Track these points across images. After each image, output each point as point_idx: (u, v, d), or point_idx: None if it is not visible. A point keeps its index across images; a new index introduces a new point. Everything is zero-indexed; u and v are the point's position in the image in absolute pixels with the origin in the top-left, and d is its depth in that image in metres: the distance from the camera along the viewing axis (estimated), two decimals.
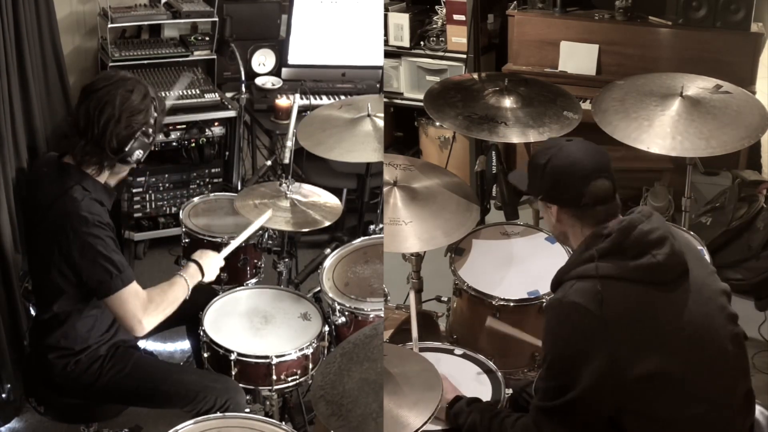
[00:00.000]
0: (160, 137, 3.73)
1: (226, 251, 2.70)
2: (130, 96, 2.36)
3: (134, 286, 2.35)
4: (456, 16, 4.47)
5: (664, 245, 1.85)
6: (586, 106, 3.65)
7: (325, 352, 2.67)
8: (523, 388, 2.33)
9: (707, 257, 2.62)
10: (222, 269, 3.00)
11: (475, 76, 3.34)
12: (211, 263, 2.61)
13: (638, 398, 1.80)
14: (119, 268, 2.31)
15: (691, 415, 1.83)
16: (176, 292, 2.46)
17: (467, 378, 2.36)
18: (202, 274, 2.56)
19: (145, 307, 2.35)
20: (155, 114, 2.41)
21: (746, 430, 1.95)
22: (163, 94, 3.70)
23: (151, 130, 2.40)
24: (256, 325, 2.70)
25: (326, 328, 2.68)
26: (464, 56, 4.46)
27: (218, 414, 2.24)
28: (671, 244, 1.86)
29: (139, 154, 2.41)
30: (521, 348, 2.71)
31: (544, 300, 2.65)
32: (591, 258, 1.87)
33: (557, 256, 2.84)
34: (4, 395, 2.91)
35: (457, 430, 2.12)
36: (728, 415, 1.89)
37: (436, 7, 4.68)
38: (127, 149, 2.37)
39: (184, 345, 3.33)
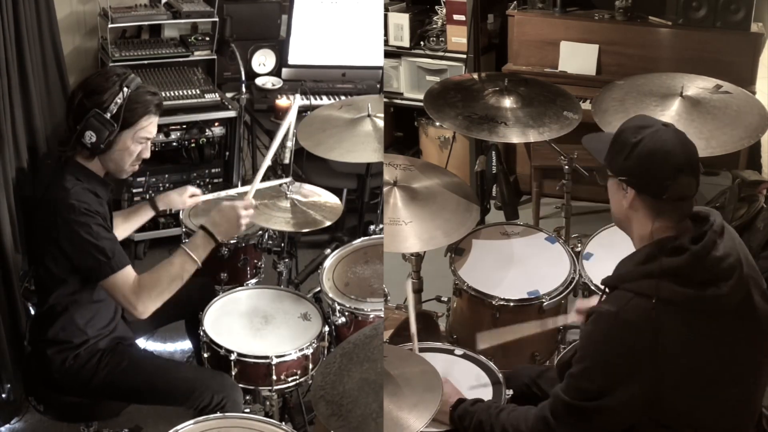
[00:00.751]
0: (160, 137, 3.73)
1: (250, 192, 2.58)
2: (93, 76, 2.39)
3: (126, 273, 2.34)
4: (456, 16, 4.47)
5: (733, 277, 1.76)
6: (586, 106, 3.65)
7: (325, 352, 2.67)
8: (534, 380, 2.31)
9: None
10: (222, 269, 3.02)
11: (475, 76, 3.34)
12: (222, 218, 2.46)
13: (671, 415, 1.79)
14: (107, 255, 2.30)
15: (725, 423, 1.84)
16: (173, 270, 2.39)
17: (467, 378, 2.36)
18: (214, 239, 2.44)
19: (136, 293, 2.33)
20: (119, 101, 2.35)
21: None
22: (162, 95, 3.71)
23: (109, 115, 2.35)
24: (256, 326, 2.70)
25: (326, 329, 2.68)
26: (464, 56, 4.46)
27: (218, 414, 2.24)
28: (739, 274, 1.77)
29: (90, 136, 2.34)
30: (521, 348, 2.71)
31: (543, 300, 2.65)
32: (651, 273, 1.77)
33: (557, 256, 2.85)
34: (4, 395, 2.91)
35: None
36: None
37: (436, 7, 4.68)
38: (79, 128, 2.34)
39: (184, 345, 3.33)
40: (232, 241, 3.03)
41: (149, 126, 2.45)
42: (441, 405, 1.98)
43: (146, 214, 2.86)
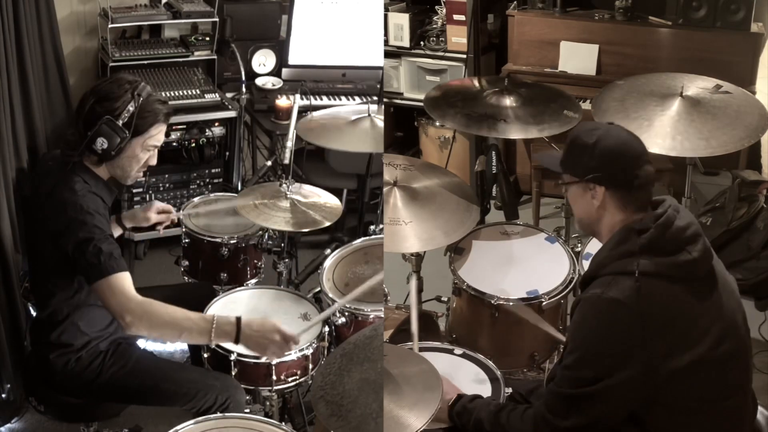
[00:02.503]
0: None
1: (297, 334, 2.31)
2: (104, 83, 2.38)
3: (121, 278, 2.24)
4: (456, 16, 4.47)
5: (698, 242, 1.86)
6: (586, 106, 3.65)
7: (325, 352, 2.67)
8: (525, 396, 2.32)
9: None
10: (222, 269, 3.03)
11: (476, 81, 3.34)
12: (259, 329, 2.25)
13: (670, 392, 1.81)
14: (100, 259, 2.23)
15: (727, 404, 1.86)
16: (184, 321, 2.24)
17: (467, 378, 2.37)
18: (237, 338, 2.25)
19: (128, 307, 2.20)
20: (131, 109, 2.35)
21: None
22: (162, 95, 3.71)
23: (121, 123, 2.35)
24: None
25: (326, 329, 2.68)
26: (464, 56, 4.47)
27: (218, 414, 2.24)
28: (704, 240, 1.87)
29: (102, 143, 2.34)
30: (521, 348, 2.72)
31: (543, 300, 2.65)
32: (629, 253, 1.84)
33: (557, 256, 2.85)
34: (4, 395, 2.91)
35: (458, 429, 2.11)
36: (751, 405, 1.94)
37: (436, 7, 4.68)
38: (90, 134, 2.34)
39: (184, 345, 3.33)
40: (232, 241, 3.03)
41: (158, 134, 2.47)
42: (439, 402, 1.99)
43: (114, 231, 2.78)
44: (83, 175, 2.39)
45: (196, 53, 4.02)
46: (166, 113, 2.46)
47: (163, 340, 2.29)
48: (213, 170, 4.04)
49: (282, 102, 3.91)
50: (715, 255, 1.95)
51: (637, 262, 1.81)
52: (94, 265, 2.25)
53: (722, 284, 1.91)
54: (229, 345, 2.48)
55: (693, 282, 1.85)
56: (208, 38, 4.04)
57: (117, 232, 2.83)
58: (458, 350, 2.48)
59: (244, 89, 4.00)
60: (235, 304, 2.80)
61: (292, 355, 2.56)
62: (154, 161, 2.51)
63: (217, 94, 3.90)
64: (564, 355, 1.91)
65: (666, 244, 1.84)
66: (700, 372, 1.82)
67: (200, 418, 2.15)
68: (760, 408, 2.08)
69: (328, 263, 2.92)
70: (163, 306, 2.24)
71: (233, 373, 2.55)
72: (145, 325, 2.22)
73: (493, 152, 3.76)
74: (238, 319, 2.25)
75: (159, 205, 2.92)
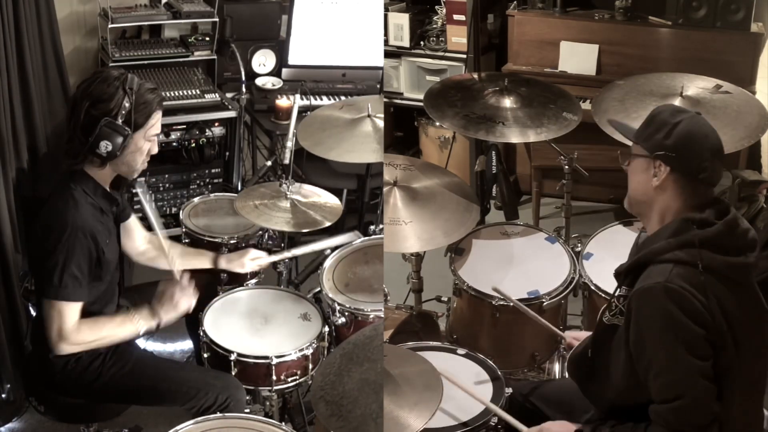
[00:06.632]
0: (161, 137, 3.72)
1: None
2: (93, 84, 2.34)
3: (69, 308, 2.30)
4: (456, 16, 4.47)
5: (756, 248, 1.86)
6: (586, 106, 3.65)
7: (325, 352, 2.67)
8: (526, 396, 2.32)
9: None
10: (222, 269, 3.02)
11: (475, 75, 3.34)
12: (164, 297, 2.46)
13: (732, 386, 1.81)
14: (62, 281, 2.27)
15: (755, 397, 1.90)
16: (114, 332, 2.40)
17: (468, 378, 2.37)
18: (156, 315, 2.44)
19: (67, 336, 2.30)
20: (127, 105, 2.33)
21: None
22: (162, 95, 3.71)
23: (121, 121, 2.33)
24: (256, 326, 2.70)
25: (326, 329, 2.68)
26: (464, 56, 4.46)
27: (218, 414, 2.24)
28: (759, 246, 1.87)
29: (106, 146, 2.32)
30: (522, 348, 2.72)
31: (543, 300, 2.65)
32: (690, 243, 1.80)
33: (557, 256, 2.85)
34: (4, 395, 2.91)
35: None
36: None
37: (436, 7, 4.68)
38: (91, 139, 2.32)
39: (185, 345, 3.34)
40: (232, 241, 3.03)
41: (157, 123, 2.45)
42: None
43: (202, 263, 2.82)
44: (83, 184, 2.37)
45: (196, 53, 4.02)
46: (160, 100, 2.45)
47: None
48: (213, 170, 4.04)
49: (282, 102, 3.91)
50: None
51: (700, 255, 1.78)
52: (55, 285, 2.28)
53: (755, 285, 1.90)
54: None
55: (742, 286, 1.84)
56: (208, 38, 4.03)
57: (204, 265, 2.81)
58: (461, 350, 2.48)
59: (244, 89, 4.00)
60: (235, 304, 2.80)
61: (292, 355, 2.56)
62: (155, 149, 2.49)
63: (217, 94, 3.90)
64: (642, 365, 1.82)
65: (731, 242, 1.82)
66: (740, 363, 1.82)
67: (200, 418, 2.15)
68: None
69: (328, 263, 2.92)
70: (90, 328, 2.36)
71: (233, 374, 2.55)
72: (77, 350, 2.37)
73: (493, 152, 3.75)
74: (149, 303, 2.45)
75: (254, 252, 2.90)
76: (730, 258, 1.81)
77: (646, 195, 1.92)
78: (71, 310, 2.32)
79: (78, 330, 2.33)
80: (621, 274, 1.93)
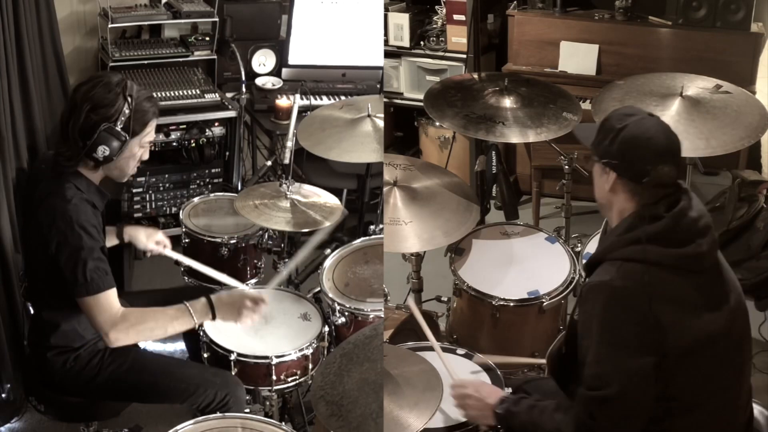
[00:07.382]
0: (160, 137, 3.73)
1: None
2: (94, 88, 2.35)
3: (103, 298, 2.30)
4: (456, 16, 4.47)
5: (708, 234, 1.87)
6: (586, 106, 3.65)
7: (325, 352, 2.67)
8: (521, 386, 2.32)
9: None
10: (222, 269, 3.02)
11: (475, 75, 3.34)
12: (228, 299, 2.48)
13: (678, 382, 1.82)
14: (87, 277, 2.27)
15: (727, 395, 1.89)
16: (161, 321, 2.37)
17: (467, 378, 2.36)
18: (213, 314, 2.44)
19: (115, 323, 2.30)
20: (127, 112, 2.34)
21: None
22: (162, 95, 3.71)
23: (120, 127, 2.34)
24: (256, 326, 2.70)
25: (326, 329, 2.68)
26: (464, 56, 4.47)
27: (218, 414, 2.24)
28: (713, 232, 1.88)
29: (104, 150, 2.34)
30: (522, 347, 2.71)
31: (543, 300, 2.65)
32: (637, 240, 1.84)
33: (557, 256, 2.85)
34: (4, 395, 2.91)
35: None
36: (745, 403, 1.95)
37: (436, 7, 4.68)
38: (89, 143, 2.33)
39: (184, 344, 3.33)
40: (232, 241, 3.03)
41: (152, 131, 2.48)
42: (481, 406, 2.04)
43: (110, 240, 2.78)
44: (75, 181, 2.38)
45: (196, 53, 4.02)
46: (156, 110, 2.46)
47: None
48: (213, 170, 4.03)
49: (282, 102, 3.91)
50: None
51: (644, 250, 1.81)
52: (82, 283, 2.28)
53: (727, 277, 1.92)
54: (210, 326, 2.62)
55: (700, 273, 1.86)
56: (208, 38, 4.03)
57: (113, 241, 2.80)
58: (461, 350, 2.48)
59: (244, 89, 4.00)
60: None
61: (292, 355, 2.56)
62: (146, 155, 2.52)
63: (217, 94, 3.90)
64: (581, 351, 1.88)
65: (678, 234, 1.84)
66: (704, 357, 1.82)
67: (200, 418, 2.15)
68: (760, 408, 2.08)
69: (328, 263, 2.92)
70: (141, 313, 2.35)
71: (233, 373, 2.55)
72: (131, 338, 2.36)
73: (493, 152, 3.75)
74: (208, 297, 2.42)
75: (160, 236, 2.91)
76: (678, 249, 1.83)
77: (605, 198, 1.99)
78: (108, 299, 2.31)
79: (124, 317, 2.32)
80: (585, 269, 2.00)
